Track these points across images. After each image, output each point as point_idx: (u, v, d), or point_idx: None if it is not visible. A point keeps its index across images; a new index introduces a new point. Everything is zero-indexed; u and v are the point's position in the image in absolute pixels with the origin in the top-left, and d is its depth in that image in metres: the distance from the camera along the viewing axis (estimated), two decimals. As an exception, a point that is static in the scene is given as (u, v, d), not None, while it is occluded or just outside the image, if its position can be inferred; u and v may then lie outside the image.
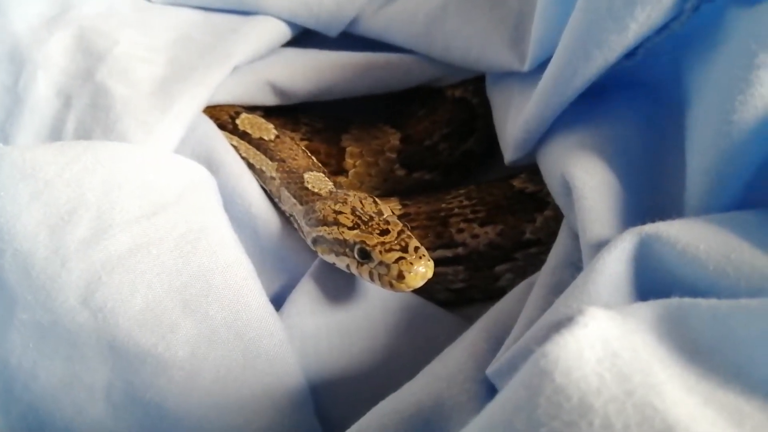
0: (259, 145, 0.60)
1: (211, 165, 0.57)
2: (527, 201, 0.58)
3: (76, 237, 0.48)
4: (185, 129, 0.58)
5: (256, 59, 0.64)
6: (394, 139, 0.66)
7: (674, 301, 0.34)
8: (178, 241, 0.50)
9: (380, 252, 0.46)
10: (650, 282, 0.38)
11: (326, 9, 0.66)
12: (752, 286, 0.34)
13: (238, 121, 0.62)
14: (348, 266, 0.49)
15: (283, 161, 0.58)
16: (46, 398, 0.47)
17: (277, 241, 0.56)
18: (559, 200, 0.50)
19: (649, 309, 0.34)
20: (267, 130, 0.61)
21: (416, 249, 0.47)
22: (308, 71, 0.64)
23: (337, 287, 0.53)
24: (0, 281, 0.48)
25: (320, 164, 0.60)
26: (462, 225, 0.57)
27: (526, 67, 0.54)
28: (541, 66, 0.53)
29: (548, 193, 0.54)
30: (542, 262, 0.51)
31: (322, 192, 0.55)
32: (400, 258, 0.46)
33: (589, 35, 0.43)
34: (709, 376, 0.31)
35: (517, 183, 0.60)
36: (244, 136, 0.61)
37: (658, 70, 0.48)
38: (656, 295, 0.36)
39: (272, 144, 0.60)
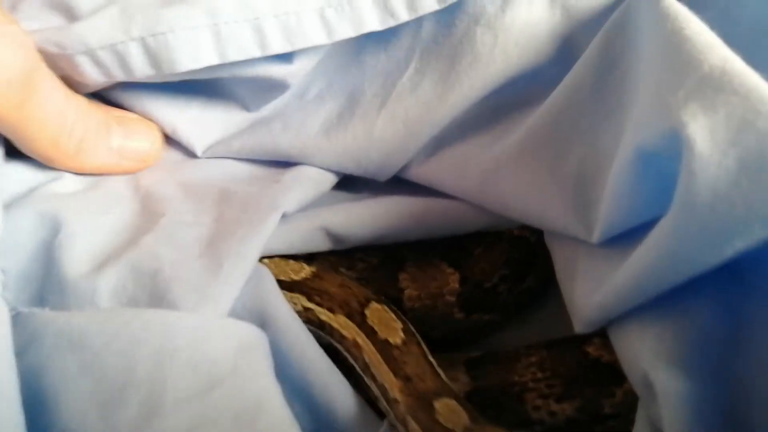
0: (383, 348, 0.52)
1: (264, 321, 0.54)
2: (604, 372, 0.55)
3: (126, 417, 0.46)
4: (239, 288, 0.55)
5: (304, 206, 0.63)
6: (453, 281, 0.64)
7: None
8: (234, 421, 0.47)
9: None
10: None
11: (374, 162, 0.64)
12: None
13: (367, 312, 0.54)
14: None
15: (410, 380, 0.50)
16: None
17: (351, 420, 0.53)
18: (638, 390, 0.48)
19: None
20: (394, 330, 0.53)
21: None
22: (364, 219, 0.63)
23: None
24: None
25: (450, 386, 0.52)
26: (538, 401, 0.55)
27: (594, 239, 0.52)
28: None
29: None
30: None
31: (457, 430, 0.48)
32: None
33: (679, 257, 0.41)
34: None
35: (591, 350, 0.57)
36: (371, 333, 0.53)
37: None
38: None
39: (397, 351, 0.52)
